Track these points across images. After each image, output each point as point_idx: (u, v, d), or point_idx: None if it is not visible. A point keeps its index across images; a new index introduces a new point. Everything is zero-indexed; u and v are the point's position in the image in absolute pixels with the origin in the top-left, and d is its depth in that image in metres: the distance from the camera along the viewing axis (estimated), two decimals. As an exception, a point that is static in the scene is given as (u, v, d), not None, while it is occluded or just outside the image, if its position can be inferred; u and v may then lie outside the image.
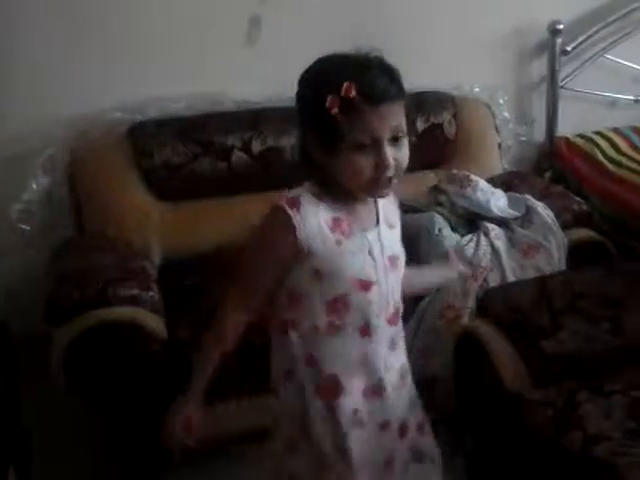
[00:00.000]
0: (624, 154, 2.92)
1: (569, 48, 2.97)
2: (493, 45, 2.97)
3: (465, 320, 2.03)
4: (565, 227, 2.34)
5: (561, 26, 2.91)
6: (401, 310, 1.39)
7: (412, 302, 2.03)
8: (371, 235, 1.31)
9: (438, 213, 2.32)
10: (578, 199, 2.52)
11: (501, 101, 2.95)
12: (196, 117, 2.55)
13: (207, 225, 2.44)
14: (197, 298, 2.08)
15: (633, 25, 3.04)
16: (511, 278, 2.17)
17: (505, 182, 2.59)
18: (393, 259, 1.34)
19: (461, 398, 1.79)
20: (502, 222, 2.34)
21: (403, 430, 1.40)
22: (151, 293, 2.03)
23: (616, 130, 3.07)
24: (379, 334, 1.33)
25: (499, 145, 2.89)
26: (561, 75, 3.01)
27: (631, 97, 3.17)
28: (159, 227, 2.43)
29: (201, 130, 2.50)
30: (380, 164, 1.21)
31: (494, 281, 2.16)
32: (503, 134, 2.94)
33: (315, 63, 1.26)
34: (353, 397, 1.32)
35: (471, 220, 2.37)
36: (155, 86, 2.56)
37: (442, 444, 1.49)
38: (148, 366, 1.93)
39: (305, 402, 1.32)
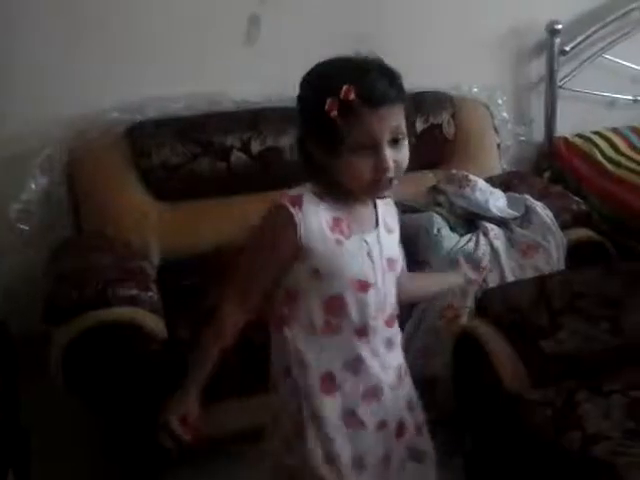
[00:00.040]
0: (623, 154, 2.92)
1: (568, 48, 2.97)
2: (492, 45, 2.97)
3: (464, 320, 2.03)
4: (564, 227, 2.34)
5: (560, 26, 2.91)
6: (397, 312, 1.39)
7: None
8: (370, 237, 1.32)
9: (437, 213, 2.32)
10: (577, 199, 2.52)
11: (500, 101, 2.95)
12: (195, 117, 2.55)
13: (206, 225, 2.44)
14: (196, 298, 2.08)
15: (632, 25, 3.04)
16: (510, 278, 2.17)
17: (504, 182, 2.59)
18: (391, 262, 1.36)
19: (460, 398, 1.79)
20: (501, 222, 2.34)
21: (400, 430, 1.40)
22: (150, 293, 2.03)
23: (615, 130, 3.07)
24: (376, 335, 1.34)
25: (498, 145, 2.89)
26: (560, 75, 3.02)
27: (630, 97, 3.18)
28: (158, 227, 2.43)
29: (200, 130, 2.50)
30: (380, 166, 1.23)
31: (493, 281, 2.16)
32: (502, 134, 2.94)
33: (317, 66, 1.28)
34: (348, 397, 1.32)
35: (470, 220, 2.37)
36: (154, 86, 2.56)
37: (441, 444, 1.49)
38: (147, 366, 1.93)
39: (300, 401, 1.32)
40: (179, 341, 1.97)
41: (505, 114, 2.97)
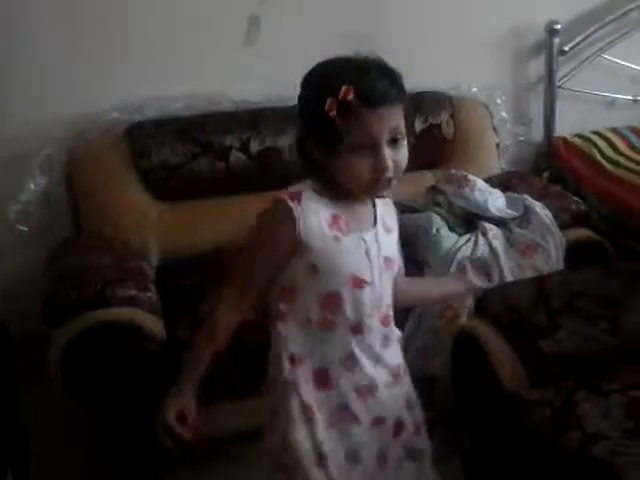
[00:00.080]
0: (622, 154, 2.92)
1: (567, 48, 2.97)
2: (491, 45, 2.97)
3: (463, 320, 2.03)
4: (563, 227, 2.34)
5: (559, 26, 2.92)
6: (392, 311, 1.40)
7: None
8: (368, 236, 1.33)
9: (436, 213, 2.32)
10: (576, 199, 2.52)
11: (499, 101, 2.95)
12: (194, 117, 2.55)
13: (205, 225, 2.44)
14: (195, 298, 2.08)
15: (631, 25, 3.04)
16: (509, 278, 2.17)
17: (503, 182, 2.59)
18: (388, 261, 1.36)
19: (459, 398, 1.79)
20: (500, 222, 2.34)
21: (399, 428, 1.40)
22: (149, 294, 2.03)
23: (614, 130, 3.07)
24: (371, 333, 1.34)
25: (497, 145, 2.89)
26: (559, 75, 3.02)
27: (629, 97, 3.18)
28: (157, 227, 2.43)
29: (199, 130, 2.50)
30: (379, 166, 1.23)
31: (492, 281, 2.16)
32: (501, 134, 2.94)
33: (317, 65, 1.29)
34: (342, 392, 1.33)
35: (469, 220, 2.37)
36: (154, 86, 2.56)
37: (440, 444, 1.49)
38: (146, 367, 1.93)
39: (294, 396, 1.32)
40: (178, 342, 1.96)
41: (504, 114, 2.97)
